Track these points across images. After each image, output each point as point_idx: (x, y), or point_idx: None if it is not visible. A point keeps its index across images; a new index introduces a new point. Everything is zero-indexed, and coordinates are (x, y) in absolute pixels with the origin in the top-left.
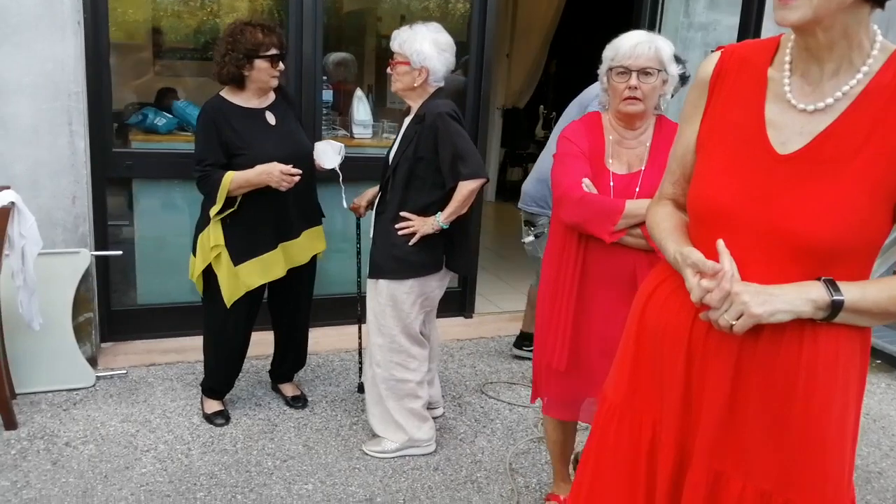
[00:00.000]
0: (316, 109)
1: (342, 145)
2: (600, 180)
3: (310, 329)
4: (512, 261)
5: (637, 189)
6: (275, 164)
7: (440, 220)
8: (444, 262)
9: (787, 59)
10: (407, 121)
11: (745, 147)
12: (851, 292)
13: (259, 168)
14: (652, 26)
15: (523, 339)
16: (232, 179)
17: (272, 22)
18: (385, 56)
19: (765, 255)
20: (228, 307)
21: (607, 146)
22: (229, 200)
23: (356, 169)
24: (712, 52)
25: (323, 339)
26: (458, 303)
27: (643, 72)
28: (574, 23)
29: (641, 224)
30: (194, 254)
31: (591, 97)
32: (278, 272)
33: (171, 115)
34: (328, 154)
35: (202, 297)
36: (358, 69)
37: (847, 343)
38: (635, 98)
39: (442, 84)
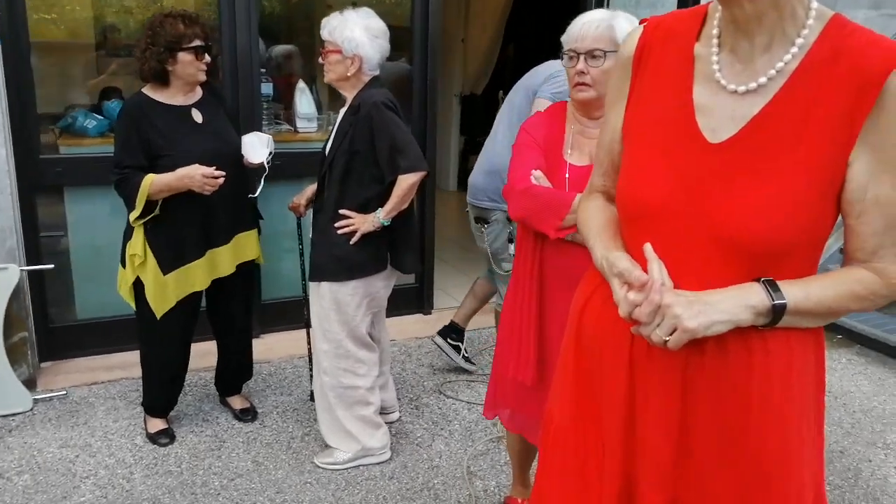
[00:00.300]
0: (255, 104)
1: (270, 137)
2: (556, 173)
3: (263, 335)
4: (473, 252)
5: None
6: (196, 166)
7: (381, 216)
8: (389, 261)
9: (715, 32)
10: (342, 112)
11: (673, 135)
12: (794, 293)
13: (180, 172)
14: (600, 5)
15: (451, 331)
16: (151, 183)
17: (193, 12)
18: None
19: (701, 257)
20: (159, 319)
21: (567, 136)
22: (150, 205)
23: (301, 165)
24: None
25: (276, 346)
26: (415, 299)
27: (590, 54)
28: (528, 4)
29: None
30: (123, 265)
31: (538, 81)
32: (204, 282)
33: (101, 117)
34: (255, 147)
35: (135, 311)
36: (305, 60)
37: (800, 346)
38: (584, 84)
39: (377, 72)
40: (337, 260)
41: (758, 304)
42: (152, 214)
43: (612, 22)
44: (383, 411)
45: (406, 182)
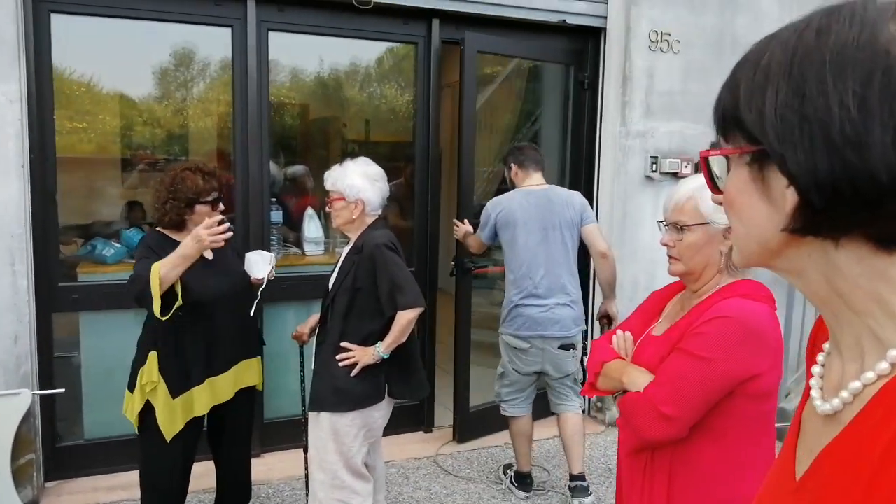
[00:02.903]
0: (265, 231)
1: (273, 255)
2: (637, 340)
3: (263, 454)
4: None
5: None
6: (198, 229)
7: (381, 350)
8: (387, 391)
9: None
10: (345, 251)
11: (782, 461)
12: None
13: (184, 242)
14: (592, 135)
15: (520, 479)
16: (160, 266)
17: (210, 166)
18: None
19: None
20: (168, 442)
21: (670, 305)
22: (171, 300)
23: (308, 287)
24: None
25: (277, 466)
26: (415, 416)
27: (674, 226)
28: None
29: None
30: (131, 390)
31: (576, 213)
32: (205, 407)
33: (119, 245)
34: (258, 264)
35: (138, 435)
36: (317, 179)
37: None
38: (671, 257)
39: (379, 213)
40: (337, 392)
41: None
42: (178, 305)
43: (699, 192)
44: None
45: (404, 318)
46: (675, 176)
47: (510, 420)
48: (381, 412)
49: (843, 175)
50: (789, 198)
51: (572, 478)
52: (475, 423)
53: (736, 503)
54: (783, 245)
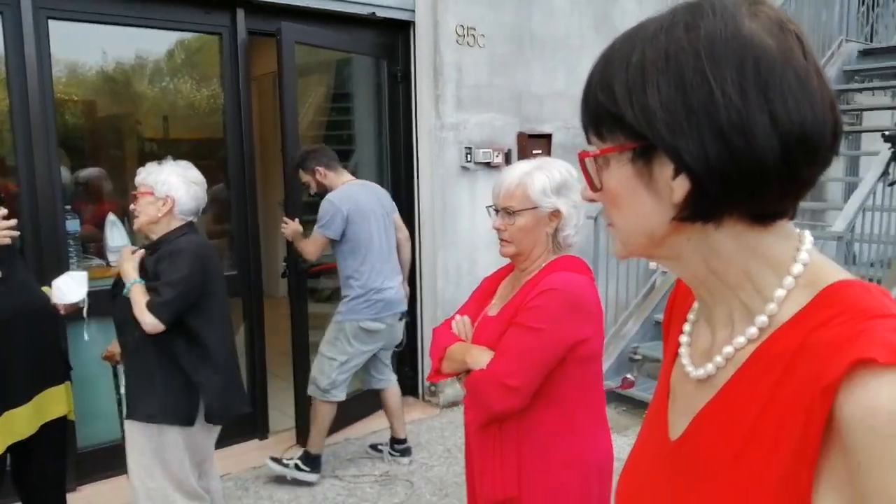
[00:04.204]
0: (60, 244)
1: (85, 274)
2: (475, 322)
3: (80, 487)
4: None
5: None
6: None
7: (131, 283)
8: (206, 415)
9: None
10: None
11: (653, 423)
12: None
13: None
14: (409, 127)
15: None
16: None
17: None
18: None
19: None
20: None
21: (502, 286)
22: None
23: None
24: None
25: (97, 499)
26: (249, 424)
27: (504, 211)
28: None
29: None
30: None
31: (389, 203)
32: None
33: None
34: (70, 287)
35: None
36: (114, 185)
37: None
38: (503, 240)
39: (191, 219)
40: (145, 399)
41: None
42: None
43: (526, 179)
44: None
45: (143, 314)
46: (489, 165)
47: (330, 407)
48: (207, 431)
49: (732, 160)
50: (677, 188)
51: (400, 441)
52: None
53: (574, 455)
54: (668, 234)
